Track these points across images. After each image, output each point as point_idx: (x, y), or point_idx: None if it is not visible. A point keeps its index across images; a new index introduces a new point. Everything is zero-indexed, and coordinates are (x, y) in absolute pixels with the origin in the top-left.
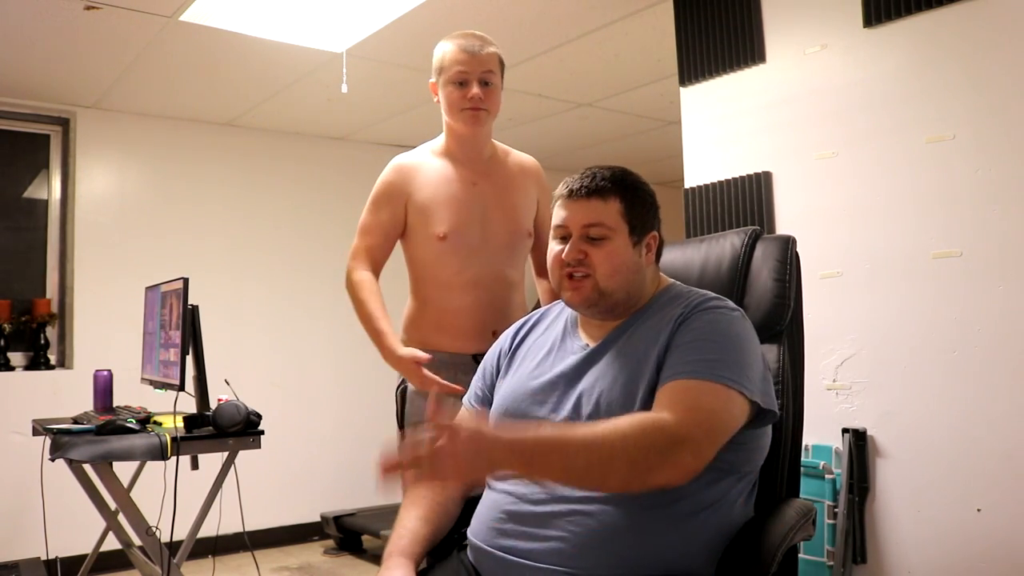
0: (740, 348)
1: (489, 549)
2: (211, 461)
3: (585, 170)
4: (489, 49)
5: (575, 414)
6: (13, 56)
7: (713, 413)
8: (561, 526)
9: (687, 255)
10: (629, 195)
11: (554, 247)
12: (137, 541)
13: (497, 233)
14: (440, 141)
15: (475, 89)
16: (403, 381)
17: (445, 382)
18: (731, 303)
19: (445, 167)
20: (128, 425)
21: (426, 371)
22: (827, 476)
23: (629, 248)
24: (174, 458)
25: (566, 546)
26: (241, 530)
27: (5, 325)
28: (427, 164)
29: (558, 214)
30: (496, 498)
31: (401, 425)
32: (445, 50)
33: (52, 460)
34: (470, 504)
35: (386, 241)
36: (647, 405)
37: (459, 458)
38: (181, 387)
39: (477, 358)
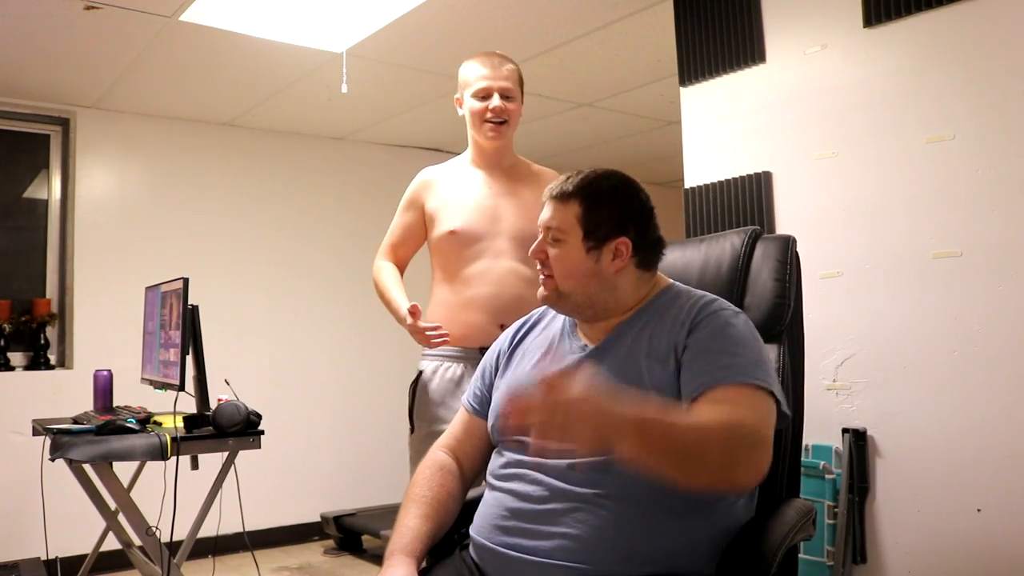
0: (755, 347)
1: (492, 546)
2: (211, 461)
3: (570, 172)
4: (509, 66)
5: None
6: (13, 56)
7: (768, 416)
8: (564, 522)
9: (687, 255)
10: (588, 200)
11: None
12: (137, 541)
13: (508, 229)
14: (467, 153)
15: (496, 102)
16: (417, 376)
17: (436, 333)
18: (733, 307)
19: (464, 174)
20: (128, 425)
21: (420, 324)
22: (827, 476)
23: (581, 253)
24: (174, 458)
25: (569, 542)
26: (241, 530)
27: (5, 325)
28: (448, 174)
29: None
30: (498, 496)
31: (411, 419)
32: (469, 66)
33: (52, 460)
34: (470, 503)
35: (406, 240)
36: None
37: (591, 426)
38: (181, 387)
39: (484, 351)
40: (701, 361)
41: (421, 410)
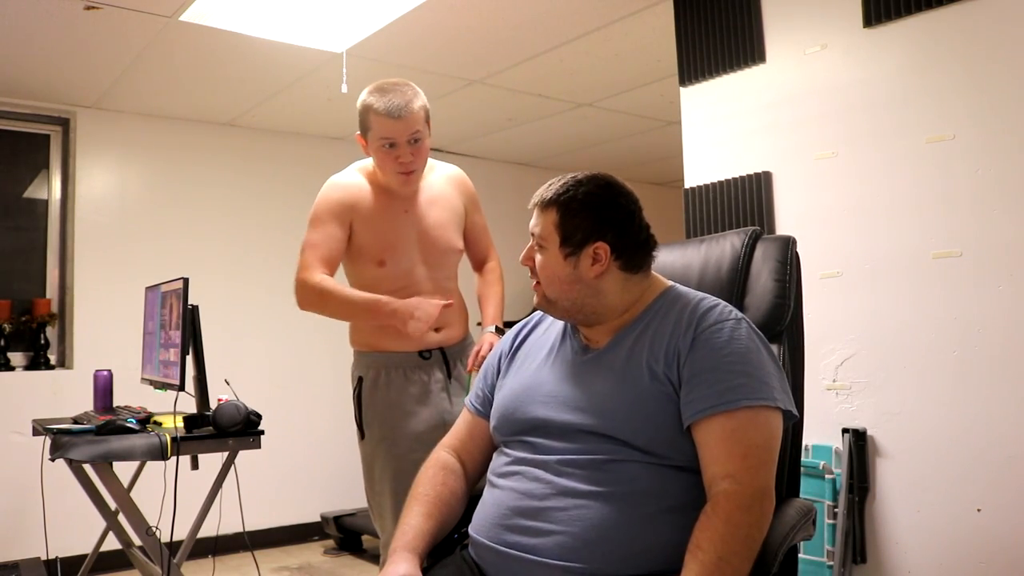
0: (758, 361)
1: (492, 544)
2: (211, 461)
3: (554, 178)
4: (415, 105)
5: (575, 416)
6: (13, 56)
7: (765, 449)
8: (564, 521)
9: (687, 256)
10: (564, 208)
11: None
12: (137, 541)
13: (431, 254)
14: (371, 165)
15: (405, 154)
16: (359, 383)
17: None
18: (735, 311)
19: (379, 195)
20: (128, 425)
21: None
22: (827, 476)
23: (559, 260)
24: (174, 458)
25: (569, 540)
26: (241, 530)
27: (5, 325)
28: (365, 189)
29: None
30: (499, 495)
31: (360, 427)
32: (370, 109)
33: (52, 460)
34: (472, 502)
35: (336, 255)
36: (647, 412)
37: None
38: (181, 387)
39: (423, 354)
40: (703, 382)
41: (370, 417)
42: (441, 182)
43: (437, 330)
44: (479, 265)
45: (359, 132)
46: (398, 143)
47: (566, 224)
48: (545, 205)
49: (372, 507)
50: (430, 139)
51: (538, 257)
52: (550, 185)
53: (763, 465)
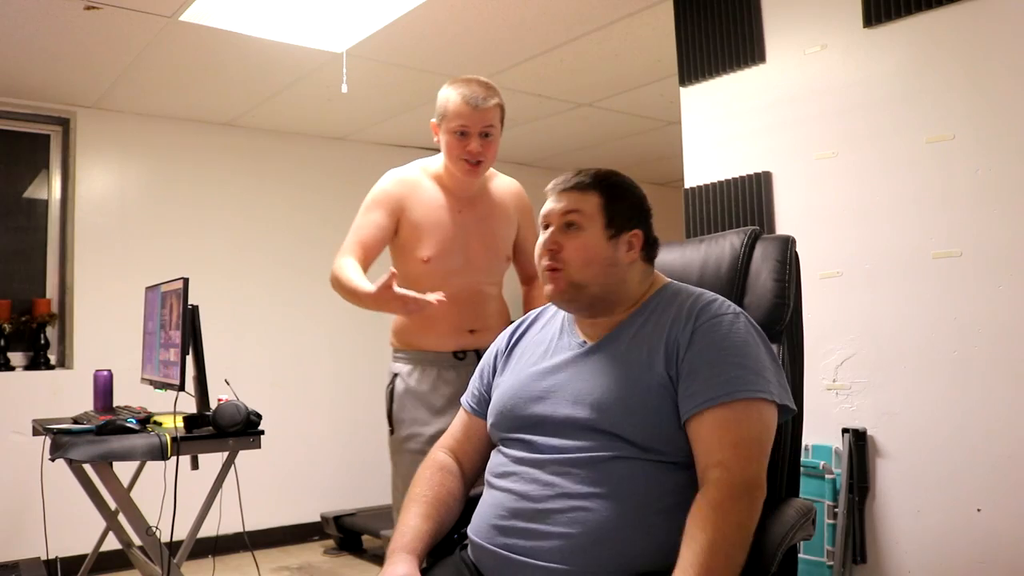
0: (756, 355)
1: (490, 547)
2: (211, 461)
3: (568, 171)
4: (492, 101)
5: (574, 411)
6: (13, 56)
7: (757, 441)
8: (562, 523)
9: (687, 255)
10: (608, 191)
11: (540, 238)
12: (137, 541)
13: (477, 259)
14: (437, 165)
15: (475, 144)
16: (392, 379)
17: (421, 297)
18: (734, 306)
19: (436, 193)
20: (128, 425)
21: (399, 290)
22: (827, 476)
23: (603, 241)
24: (174, 458)
25: (567, 543)
26: (241, 530)
27: (5, 325)
28: (422, 185)
29: (544, 208)
30: (498, 496)
31: (391, 423)
32: (450, 97)
33: (52, 460)
34: (472, 503)
35: (376, 241)
36: (646, 406)
37: None
38: (181, 387)
39: (457, 355)
40: (701, 375)
41: (400, 413)
42: (499, 191)
43: (472, 332)
44: (528, 279)
45: (434, 119)
46: (470, 133)
47: (612, 206)
48: (585, 187)
49: (395, 501)
50: (499, 141)
51: (572, 240)
52: (578, 172)
53: (755, 456)
